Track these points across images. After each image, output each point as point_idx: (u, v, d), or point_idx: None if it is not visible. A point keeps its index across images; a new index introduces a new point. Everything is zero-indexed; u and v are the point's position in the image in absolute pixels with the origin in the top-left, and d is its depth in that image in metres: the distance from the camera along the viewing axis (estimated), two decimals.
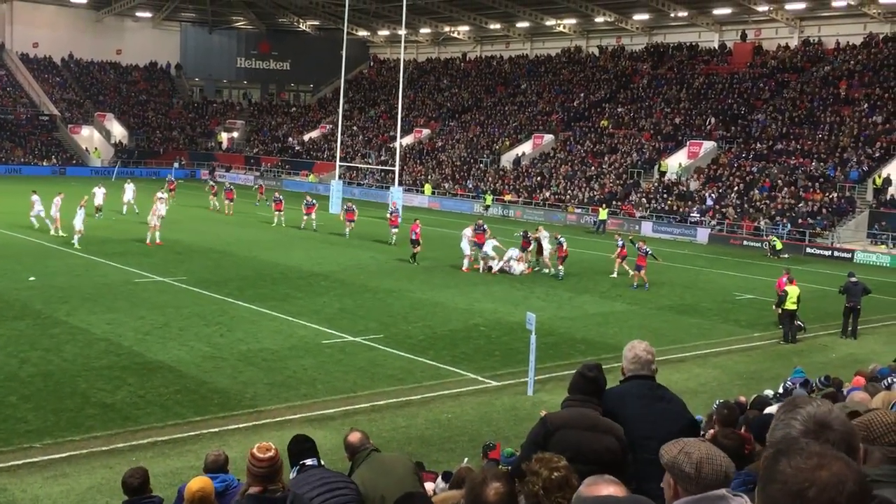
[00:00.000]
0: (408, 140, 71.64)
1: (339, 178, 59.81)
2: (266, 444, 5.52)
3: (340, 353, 19.18)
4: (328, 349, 19.50)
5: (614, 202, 53.17)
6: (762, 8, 60.19)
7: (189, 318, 21.83)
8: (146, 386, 16.02)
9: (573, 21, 73.54)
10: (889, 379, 10.35)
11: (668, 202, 51.95)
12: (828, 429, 2.40)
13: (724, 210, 48.91)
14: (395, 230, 37.79)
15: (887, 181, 45.91)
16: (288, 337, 20.41)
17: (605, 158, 59.53)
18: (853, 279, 24.11)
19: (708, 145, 55.93)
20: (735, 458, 3.93)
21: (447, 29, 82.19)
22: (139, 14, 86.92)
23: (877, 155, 48.44)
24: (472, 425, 15.05)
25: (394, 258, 34.00)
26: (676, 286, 31.02)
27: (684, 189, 52.86)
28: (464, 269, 31.87)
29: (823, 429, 2.40)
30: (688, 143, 56.91)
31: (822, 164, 49.46)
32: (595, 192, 55.71)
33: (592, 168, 59.06)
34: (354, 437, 6.72)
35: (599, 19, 70.00)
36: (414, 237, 32.77)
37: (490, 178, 62.65)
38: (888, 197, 45.61)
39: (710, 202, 50.30)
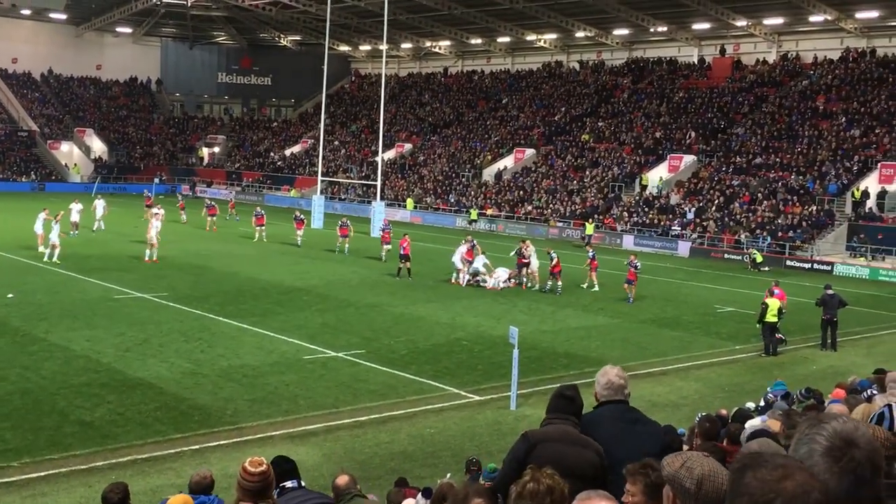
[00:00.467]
0: (389, 154, 71.66)
1: (321, 192, 59.76)
2: (258, 459, 5.39)
3: (322, 369, 19.10)
4: (310, 364, 19.41)
5: (596, 216, 53.35)
6: (741, 23, 60.73)
7: (169, 334, 21.67)
8: (126, 403, 15.86)
9: (554, 36, 73.91)
10: (869, 391, 10.38)
11: (650, 216, 52.18)
12: (854, 446, 2.32)
13: (704, 223, 49.18)
14: (388, 247, 37.33)
15: (865, 194, 46.31)
16: (269, 353, 20.30)
17: (587, 172, 59.77)
18: (829, 291, 24.23)
19: (688, 159, 56.26)
20: None
21: (428, 44, 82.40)
22: (119, 29, 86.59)
23: (855, 168, 48.90)
24: (455, 440, 15.01)
25: (377, 273, 33.95)
26: (658, 299, 31.12)
27: (665, 203, 53.14)
28: (452, 280, 32.28)
29: (849, 446, 2.32)
30: (668, 156, 57.25)
31: (801, 177, 49.89)
32: (577, 206, 55.91)
33: (574, 182, 59.29)
34: (342, 480, 6.69)
35: (580, 34, 70.37)
36: (402, 252, 32.77)
37: (472, 193, 62.77)
38: (867, 210, 46.01)
39: (690, 216, 50.57)
